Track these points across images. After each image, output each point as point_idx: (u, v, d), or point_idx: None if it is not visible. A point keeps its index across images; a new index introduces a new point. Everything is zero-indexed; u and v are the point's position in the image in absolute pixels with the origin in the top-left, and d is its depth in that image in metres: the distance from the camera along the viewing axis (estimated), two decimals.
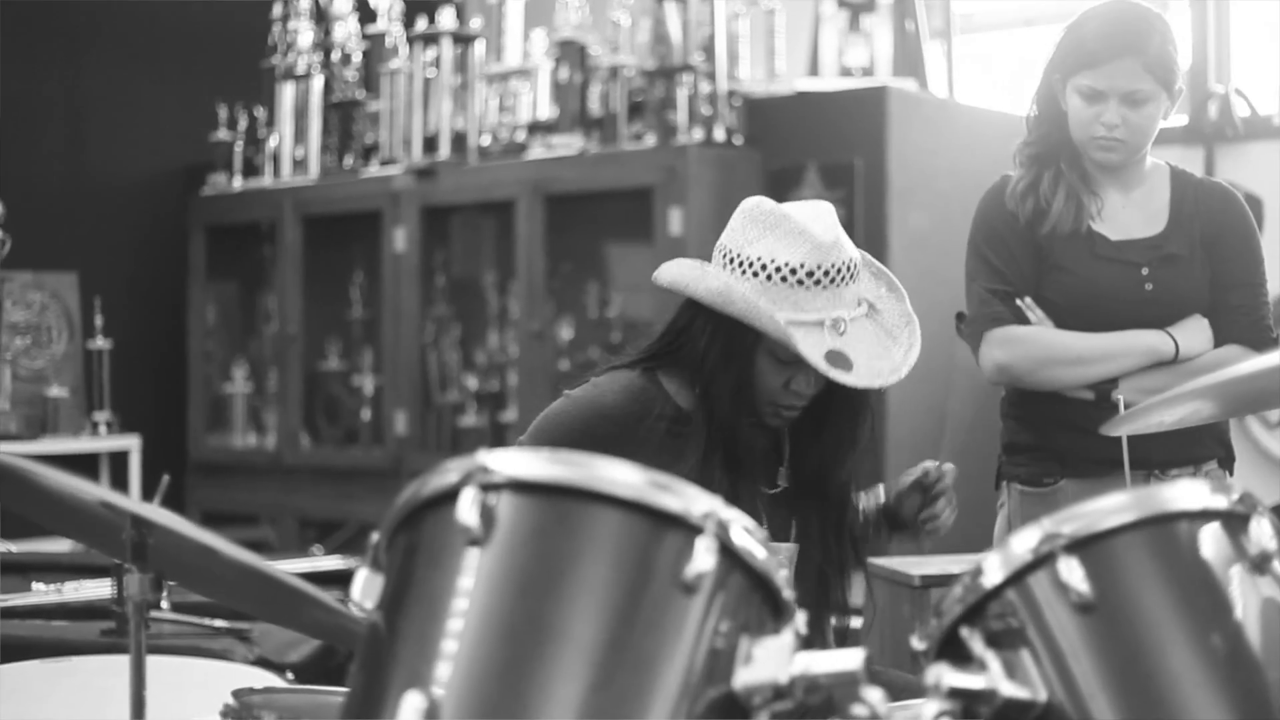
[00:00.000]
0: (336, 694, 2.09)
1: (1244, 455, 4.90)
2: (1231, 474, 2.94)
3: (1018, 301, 2.85)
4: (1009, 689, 1.45)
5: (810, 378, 2.39)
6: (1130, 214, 2.90)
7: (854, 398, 2.46)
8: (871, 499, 2.65)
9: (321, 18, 6.33)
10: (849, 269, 2.37)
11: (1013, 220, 2.87)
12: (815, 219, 2.38)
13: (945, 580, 3.10)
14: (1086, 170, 2.89)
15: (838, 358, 2.31)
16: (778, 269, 2.34)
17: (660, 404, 2.46)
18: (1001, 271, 2.86)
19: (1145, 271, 2.85)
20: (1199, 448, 2.88)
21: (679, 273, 2.43)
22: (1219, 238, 2.90)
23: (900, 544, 2.75)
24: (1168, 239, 2.88)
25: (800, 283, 2.33)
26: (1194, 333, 2.83)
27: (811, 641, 1.43)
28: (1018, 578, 1.50)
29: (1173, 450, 2.78)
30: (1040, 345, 2.83)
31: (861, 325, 2.38)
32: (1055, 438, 2.89)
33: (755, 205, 2.43)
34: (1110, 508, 1.51)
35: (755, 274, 2.35)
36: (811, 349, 2.30)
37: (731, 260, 2.38)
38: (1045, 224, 2.85)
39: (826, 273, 2.34)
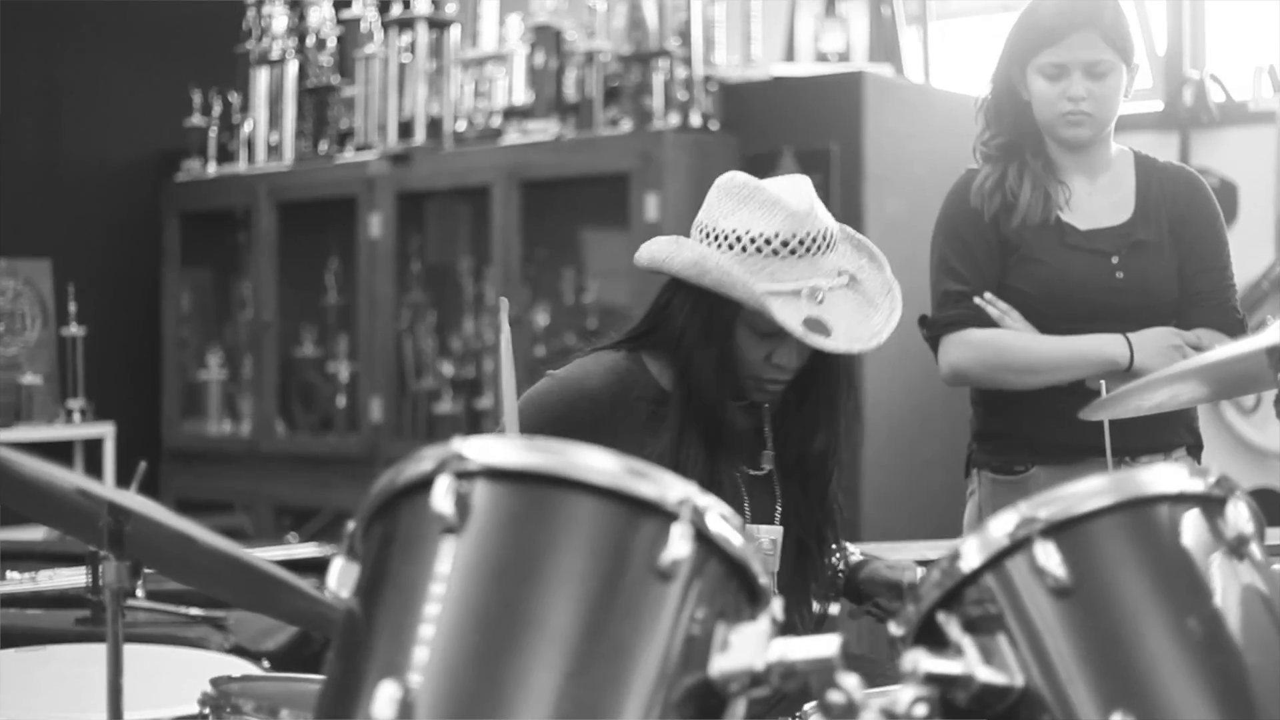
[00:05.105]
0: (314, 682, 2.09)
1: (1220, 441, 4.95)
2: (1200, 461, 2.95)
3: (976, 299, 2.85)
4: (986, 674, 1.45)
5: (792, 350, 2.37)
6: (1097, 201, 2.90)
7: (835, 371, 2.45)
8: (840, 556, 2.62)
9: (296, 3, 6.30)
10: (825, 238, 2.36)
11: (975, 217, 2.88)
12: (790, 189, 2.38)
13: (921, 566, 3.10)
14: (1052, 159, 2.90)
15: (815, 324, 2.29)
16: (752, 240, 2.32)
17: (642, 384, 2.44)
18: (960, 272, 2.87)
19: (1115, 260, 2.86)
20: (1169, 434, 2.88)
21: (655, 249, 2.41)
22: (1185, 222, 2.90)
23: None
24: (1136, 226, 2.88)
25: (775, 253, 2.32)
26: (1154, 346, 2.79)
27: (792, 626, 1.43)
28: (995, 562, 1.50)
29: (1143, 437, 2.78)
30: (993, 351, 2.83)
31: (841, 295, 2.36)
32: (1026, 425, 2.89)
33: (730, 179, 2.41)
34: (1087, 491, 1.51)
35: (730, 246, 2.33)
36: (788, 316, 2.28)
37: (708, 235, 2.37)
38: (1014, 217, 2.85)
39: (802, 241, 2.33)
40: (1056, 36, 2.80)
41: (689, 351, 2.39)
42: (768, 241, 2.32)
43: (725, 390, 2.40)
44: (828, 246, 2.37)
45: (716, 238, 2.36)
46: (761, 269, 2.32)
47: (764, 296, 2.28)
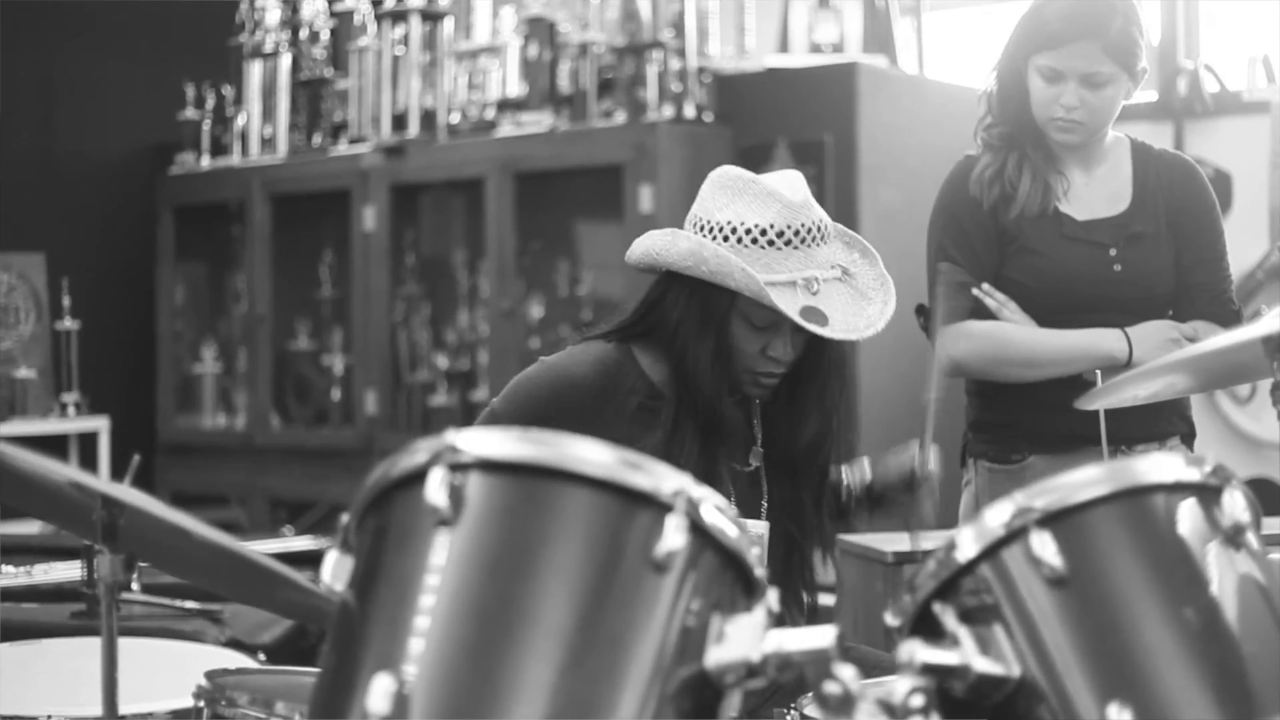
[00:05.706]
0: (309, 675, 2.08)
1: (1215, 432, 4.95)
2: (1192, 450, 2.94)
3: (974, 291, 2.84)
4: (982, 664, 1.45)
5: (787, 342, 2.37)
6: (1094, 191, 2.89)
7: (827, 367, 2.45)
8: (856, 474, 2.64)
9: None
10: (819, 229, 2.36)
11: (974, 206, 2.86)
12: (783, 182, 2.38)
13: (918, 556, 3.10)
14: (1051, 150, 2.88)
15: (812, 313, 2.30)
16: (748, 230, 2.33)
17: (633, 377, 2.44)
18: (958, 262, 2.86)
19: (1113, 252, 2.84)
20: (1163, 423, 2.88)
21: (649, 243, 2.41)
22: (1182, 212, 2.89)
23: (883, 522, 2.74)
24: (1133, 217, 2.87)
25: (771, 243, 2.32)
26: (1152, 340, 2.79)
27: (783, 619, 1.42)
28: (991, 552, 1.50)
29: (1137, 426, 2.78)
30: (993, 343, 2.82)
31: (834, 287, 2.36)
32: (1022, 414, 2.88)
33: (722, 173, 2.42)
34: (1083, 481, 1.51)
35: (726, 238, 2.34)
36: (786, 304, 2.28)
37: (702, 227, 2.37)
38: (1013, 208, 2.84)
39: (796, 233, 2.33)
40: (1057, 42, 2.75)
41: (685, 343, 2.38)
42: (763, 232, 2.33)
43: (721, 382, 2.39)
44: (822, 238, 2.37)
45: (712, 229, 2.36)
46: (757, 260, 2.32)
47: (762, 285, 2.28)
